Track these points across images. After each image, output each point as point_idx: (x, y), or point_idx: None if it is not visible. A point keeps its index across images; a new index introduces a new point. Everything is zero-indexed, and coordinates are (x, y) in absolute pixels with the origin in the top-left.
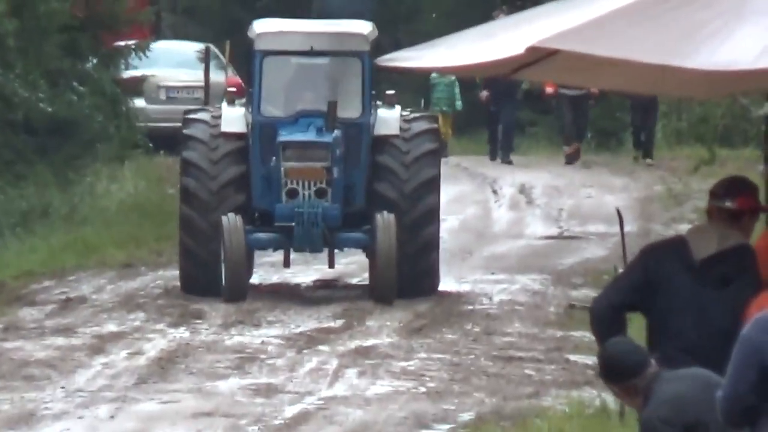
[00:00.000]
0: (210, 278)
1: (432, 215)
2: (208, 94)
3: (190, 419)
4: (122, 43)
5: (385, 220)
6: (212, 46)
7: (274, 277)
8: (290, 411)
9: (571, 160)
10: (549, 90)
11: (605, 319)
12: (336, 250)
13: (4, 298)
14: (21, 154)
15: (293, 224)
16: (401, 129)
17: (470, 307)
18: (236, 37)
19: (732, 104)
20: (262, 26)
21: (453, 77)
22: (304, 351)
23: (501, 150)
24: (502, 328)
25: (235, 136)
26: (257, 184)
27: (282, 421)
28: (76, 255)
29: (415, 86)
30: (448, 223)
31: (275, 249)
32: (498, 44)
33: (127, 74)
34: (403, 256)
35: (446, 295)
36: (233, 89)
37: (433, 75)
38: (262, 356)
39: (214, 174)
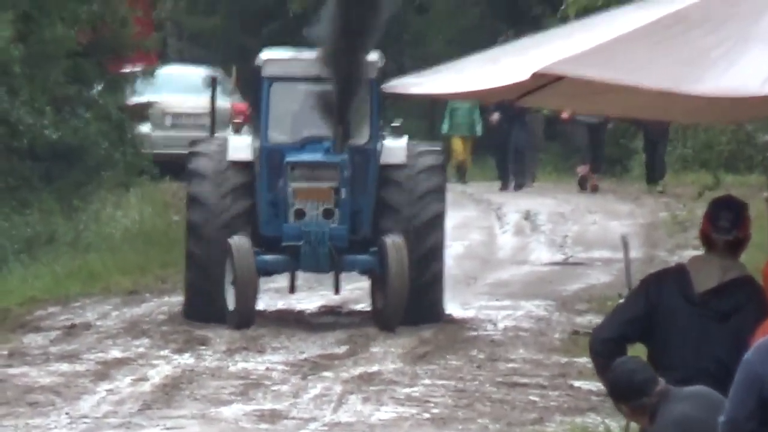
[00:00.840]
0: (215, 308)
1: (437, 252)
2: (214, 124)
3: None
4: (128, 69)
5: (395, 243)
6: (218, 73)
7: (279, 303)
8: None
9: (584, 184)
10: (564, 115)
11: (605, 352)
12: (341, 275)
13: (9, 324)
14: (26, 180)
15: (300, 244)
16: (407, 161)
17: (474, 333)
18: (241, 62)
19: (737, 130)
20: (269, 54)
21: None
22: (309, 377)
23: (513, 174)
24: (507, 354)
25: (241, 164)
26: (264, 210)
27: None
28: (81, 282)
29: (420, 113)
30: (453, 249)
31: (282, 271)
32: (503, 70)
33: (133, 100)
34: (409, 289)
35: (450, 321)
36: (239, 120)
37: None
38: (267, 382)
39: (221, 209)
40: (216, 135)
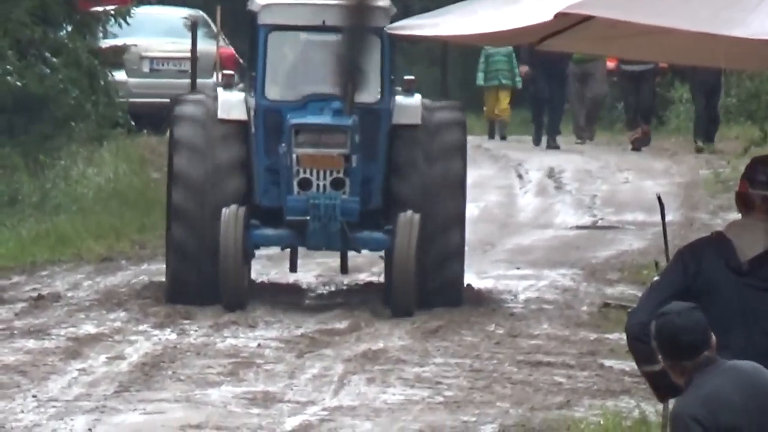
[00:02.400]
0: (205, 281)
1: (456, 222)
2: (195, 77)
3: None
4: (100, 9)
5: (408, 219)
6: (202, 13)
7: (272, 272)
8: (290, 423)
9: (639, 145)
10: (610, 64)
11: (643, 336)
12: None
13: None
14: None
15: (307, 219)
16: (423, 119)
17: (493, 307)
18: (226, 2)
19: None
20: None
21: (511, 48)
22: (306, 355)
23: (548, 133)
24: (529, 329)
25: (234, 123)
26: (261, 178)
27: None
28: (49, 248)
29: (429, 60)
30: (468, 212)
31: (285, 247)
32: (523, 9)
33: (106, 43)
34: (424, 266)
35: (467, 292)
36: (230, 72)
37: (487, 46)
38: (259, 361)
39: (210, 155)
40: (201, 90)
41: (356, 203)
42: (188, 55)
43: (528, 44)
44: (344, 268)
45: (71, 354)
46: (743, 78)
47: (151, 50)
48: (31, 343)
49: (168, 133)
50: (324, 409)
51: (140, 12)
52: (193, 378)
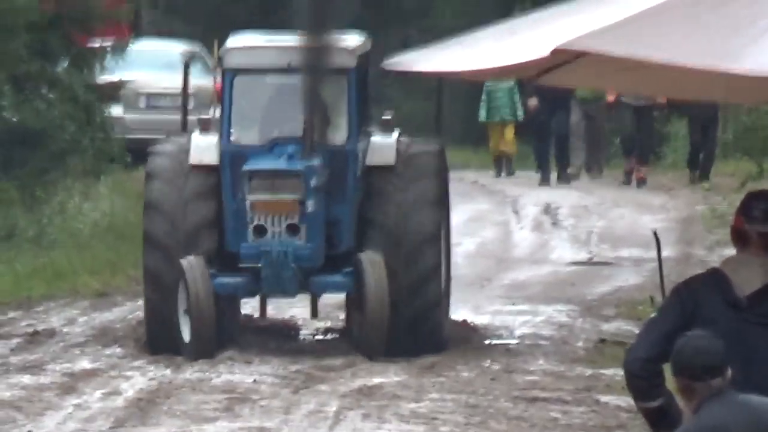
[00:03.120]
0: (175, 336)
1: (434, 272)
2: (186, 116)
3: None
4: (97, 44)
5: (372, 260)
6: (199, 48)
7: (268, 308)
8: None
9: (629, 179)
10: (609, 98)
11: (643, 373)
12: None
13: None
14: None
15: (259, 266)
16: (398, 160)
17: (488, 342)
18: (224, 35)
19: None
20: (233, 41)
21: (512, 82)
22: (302, 391)
23: (558, 168)
24: (525, 365)
25: (205, 168)
26: (230, 222)
27: None
28: (45, 282)
29: (425, 94)
30: (464, 247)
31: (243, 295)
32: (520, 45)
33: (103, 79)
34: (401, 318)
35: (462, 328)
36: (207, 117)
37: (488, 82)
38: (255, 397)
39: (181, 217)
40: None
41: (311, 249)
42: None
43: (526, 79)
44: (314, 312)
45: (67, 389)
46: (740, 113)
47: (147, 86)
48: (26, 379)
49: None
50: None
51: (137, 46)
52: (188, 413)
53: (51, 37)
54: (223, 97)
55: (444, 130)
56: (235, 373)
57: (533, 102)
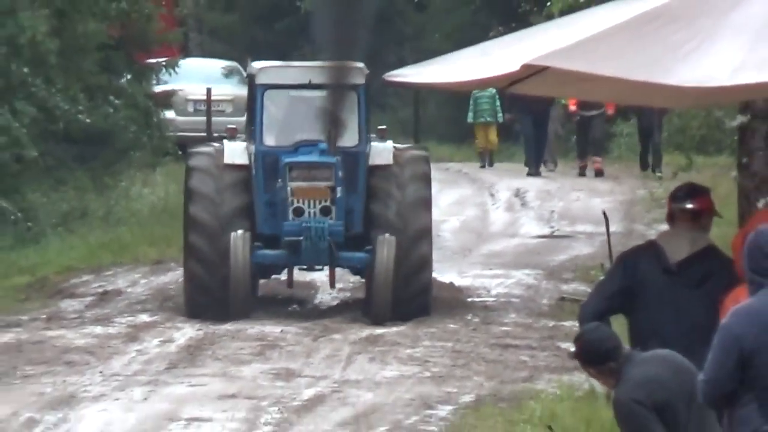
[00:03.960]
0: (217, 304)
1: (425, 234)
2: (211, 131)
3: (216, 401)
4: (153, 61)
5: (386, 240)
6: (236, 64)
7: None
8: (307, 393)
9: (583, 172)
10: (572, 108)
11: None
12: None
13: (47, 291)
14: (62, 161)
15: (301, 239)
16: (394, 159)
17: (470, 300)
18: (256, 55)
19: (708, 116)
20: (262, 63)
21: (494, 91)
22: (320, 339)
23: (533, 164)
24: (499, 318)
25: (237, 167)
26: (261, 211)
27: (300, 403)
28: (112, 252)
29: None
30: (450, 224)
31: (282, 265)
32: (496, 61)
33: (158, 88)
34: (399, 276)
35: (449, 288)
36: (233, 126)
37: (476, 90)
38: (282, 344)
39: (219, 202)
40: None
41: (341, 226)
42: (225, 97)
43: (499, 88)
44: (332, 283)
45: (130, 338)
46: (673, 116)
47: (194, 94)
48: (98, 329)
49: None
50: (334, 382)
51: (185, 63)
52: (228, 357)
53: (116, 55)
54: (255, 108)
55: (431, 130)
56: (266, 325)
57: (509, 116)
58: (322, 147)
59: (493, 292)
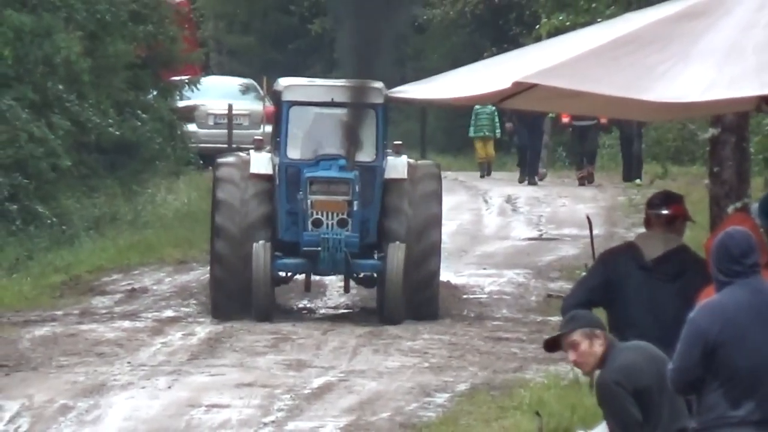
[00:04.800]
0: (240, 308)
1: (434, 249)
2: (231, 138)
3: (234, 389)
4: (177, 78)
5: (397, 248)
6: (253, 81)
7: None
8: (317, 382)
9: (582, 182)
10: (564, 120)
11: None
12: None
13: (79, 288)
14: (94, 170)
15: (318, 249)
16: (408, 174)
17: (465, 297)
18: (271, 73)
19: (682, 129)
20: (289, 80)
21: (493, 108)
22: (329, 332)
23: (528, 174)
24: (492, 313)
25: (262, 177)
26: (282, 219)
27: (310, 391)
28: (140, 253)
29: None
30: (447, 228)
31: (300, 273)
32: (489, 79)
33: (182, 104)
34: (409, 285)
35: (446, 286)
36: (260, 137)
37: (477, 106)
38: (294, 337)
39: (244, 211)
40: (237, 153)
41: (356, 238)
42: (243, 112)
43: (491, 103)
44: (347, 288)
45: (156, 332)
46: (650, 129)
47: (215, 108)
48: (126, 324)
49: (212, 190)
50: (342, 372)
51: (207, 80)
52: (245, 349)
53: (143, 74)
54: (281, 122)
55: (430, 141)
56: (280, 321)
57: (509, 126)
58: (341, 163)
59: (487, 290)
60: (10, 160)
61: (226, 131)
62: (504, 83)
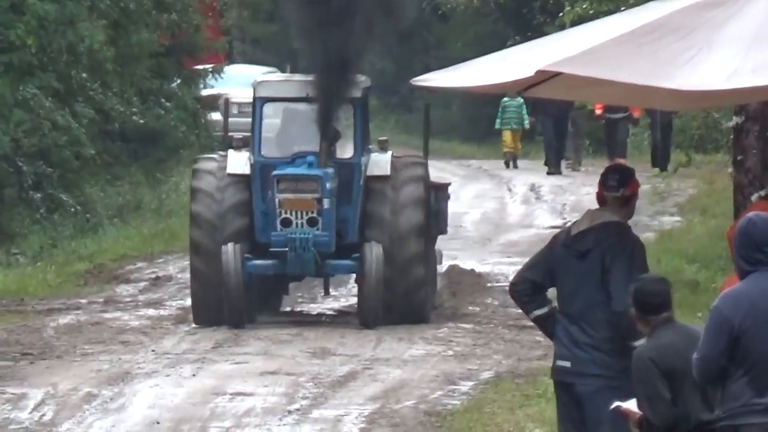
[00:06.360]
0: (218, 315)
1: (417, 258)
2: (227, 136)
3: (259, 377)
4: (201, 67)
5: (373, 249)
6: (276, 69)
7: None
8: (341, 370)
9: None
10: (598, 111)
11: (522, 291)
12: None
13: (104, 277)
14: (117, 158)
15: (286, 250)
16: (392, 174)
17: (490, 285)
18: (294, 62)
19: (706, 117)
20: (262, 77)
21: (521, 100)
22: (352, 321)
23: (553, 163)
24: None
25: (239, 177)
26: (259, 219)
27: (334, 379)
28: (164, 241)
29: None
30: (471, 216)
31: (272, 274)
32: (513, 67)
33: (205, 92)
34: (393, 294)
35: (470, 275)
36: (240, 136)
37: (504, 98)
38: (318, 326)
39: (220, 198)
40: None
41: (327, 237)
42: None
43: (515, 92)
44: (326, 290)
45: (180, 320)
46: (673, 117)
47: (238, 97)
48: (150, 312)
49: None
50: (366, 360)
51: (230, 69)
52: (269, 338)
53: (167, 62)
54: (254, 120)
55: (454, 129)
56: (304, 308)
57: (532, 120)
58: (311, 160)
59: (511, 278)
60: (34, 149)
61: (249, 119)
62: (527, 72)
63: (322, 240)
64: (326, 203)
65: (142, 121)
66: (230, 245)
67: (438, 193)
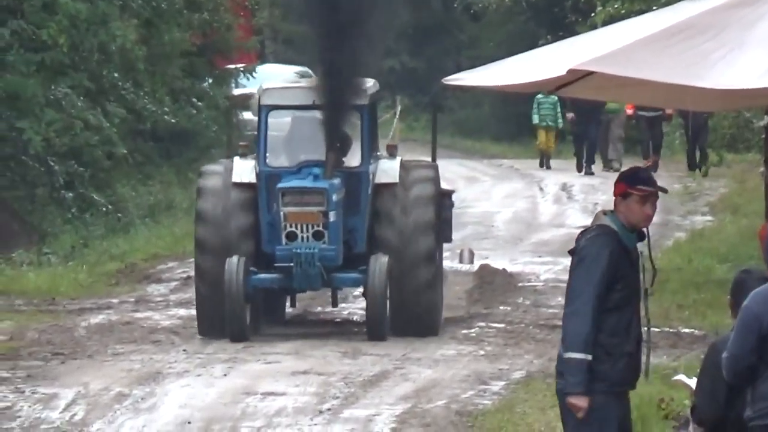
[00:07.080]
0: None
1: (427, 257)
2: (231, 145)
3: (290, 377)
4: (232, 66)
5: (378, 260)
6: (308, 69)
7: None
8: (373, 370)
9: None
10: (629, 111)
11: None
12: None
13: (135, 276)
14: (149, 157)
15: (291, 265)
16: (401, 177)
17: (521, 285)
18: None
19: (737, 117)
20: (267, 84)
21: (555, 98)
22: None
23: (585, 163)
24: (547, 301)
25: (245, 186)
26: (265, 230)
27: (365, 378)
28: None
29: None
30: (503, 215)
31: (278, 288)
32: (544, 66)
33: (237, 92)
34: (401, 296)
35: (501, 274)
36: (245, 143)
37: (539, 96)
38: (349, 325)
39: (226, 223)
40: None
41: (334, 251)
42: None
43: (547, 91)
44: (335, 303)
45: None
46: (708, 118)
47: None
48: (182, 311)
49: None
50: (397, 360)
51: (262, 68)
52: (300, 337)
53: (198, 61)
54: (259, 128)
55: (485, 129)
56: (334, 309)
57: (571, 116)
58: (316, 172)
59: (542, 278)
60: (66, 148)
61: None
62: (559, 71)
63: (328, 254)
64: (332, 216)
65: (173, 121)
66: (234, 258)
67: (442, 200)
